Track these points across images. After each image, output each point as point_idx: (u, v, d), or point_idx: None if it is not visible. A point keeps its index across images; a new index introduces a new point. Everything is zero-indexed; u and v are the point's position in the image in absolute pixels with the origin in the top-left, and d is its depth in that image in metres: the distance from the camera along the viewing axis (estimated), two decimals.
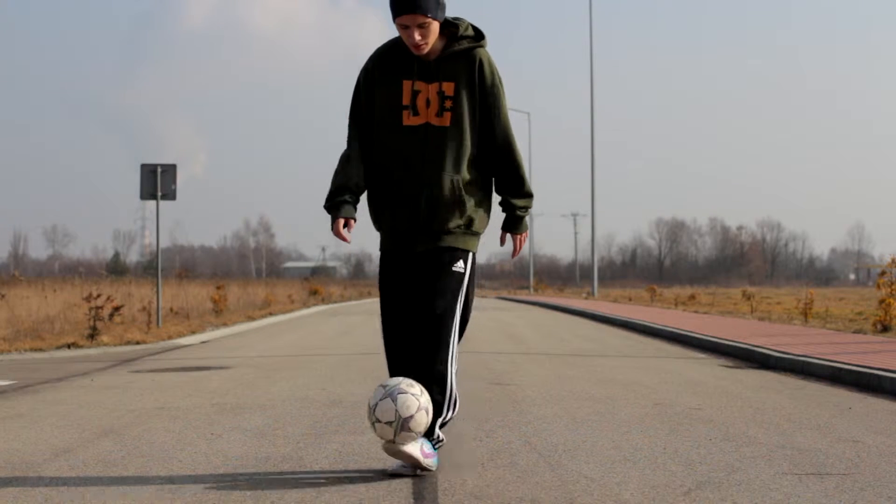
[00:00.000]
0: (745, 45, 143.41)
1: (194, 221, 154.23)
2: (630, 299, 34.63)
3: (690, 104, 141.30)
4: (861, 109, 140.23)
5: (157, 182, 15.96)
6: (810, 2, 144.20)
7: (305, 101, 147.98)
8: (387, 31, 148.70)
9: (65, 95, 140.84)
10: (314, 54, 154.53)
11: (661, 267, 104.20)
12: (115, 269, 72.13)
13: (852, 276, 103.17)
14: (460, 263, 4.25)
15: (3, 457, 4.78)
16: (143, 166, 16.08)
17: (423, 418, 3.99)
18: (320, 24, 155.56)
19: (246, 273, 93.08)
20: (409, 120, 4.19)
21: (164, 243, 65.68)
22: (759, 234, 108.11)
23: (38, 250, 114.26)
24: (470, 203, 4.25)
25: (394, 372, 4.29)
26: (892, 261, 13.49)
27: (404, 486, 4.04)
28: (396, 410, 3.96)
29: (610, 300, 35.14)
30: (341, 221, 4.19)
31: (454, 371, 4.23)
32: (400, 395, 3.98)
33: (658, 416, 6.04)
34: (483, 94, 4.23)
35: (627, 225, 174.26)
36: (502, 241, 4.43)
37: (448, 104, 4.17)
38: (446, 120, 4.18)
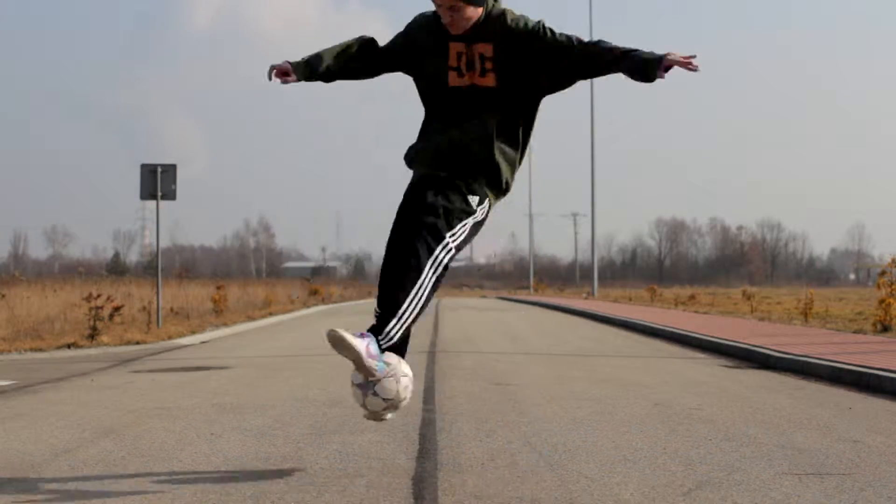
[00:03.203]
0: (745, 44, 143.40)
1: (194, 221, 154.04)
2: (630, 299, 34.64)
3: (690, 104, 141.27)
4: (861, 109, 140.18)
5: (157, 182, 15.96)
6: (810, 2, 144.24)
7: (306, 102, 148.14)
8: (391, 32, 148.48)
9: (65, 95, 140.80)
10: None
11: (661, 267, 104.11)
12: (115, 269, 72.14)
13: (852, 276, 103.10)
14: (476, 199, 4.28)
15: (3, 457, 4.78)
16: (143, 166, 16.08)
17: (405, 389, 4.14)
18: (323, 26, 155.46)
19: (246, 273, 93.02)
20: (455, 81, 4.28)
21: (164, 243, 65.65)
22: (759, 234, 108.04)
23: (38, 250, 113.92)
24: (503, 165, 4.33)
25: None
26: (892, 261, 13.49)
27: (404, 486, 4.05)
28: (383, 399, 4.10)
29: (610, 300, 35.14)
30: (288, 67, 4.28)
31: (430, 279, 4.10)
32: (378, 387, 4.08)
33: (658, 416, 6.04)
34: (525, 42, 4.23)
35: (627, 225, 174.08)
36: (663, 73, 4.08)
37: (489, 66, 4.23)
38: (490, 80, 4.25)
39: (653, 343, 13.49)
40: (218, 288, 23.79)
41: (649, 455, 4.72)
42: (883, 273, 13.67)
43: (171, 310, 20.24)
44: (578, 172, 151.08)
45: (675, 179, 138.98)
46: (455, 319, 20.73)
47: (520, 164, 4.43)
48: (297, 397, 7.05)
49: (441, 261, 4.13)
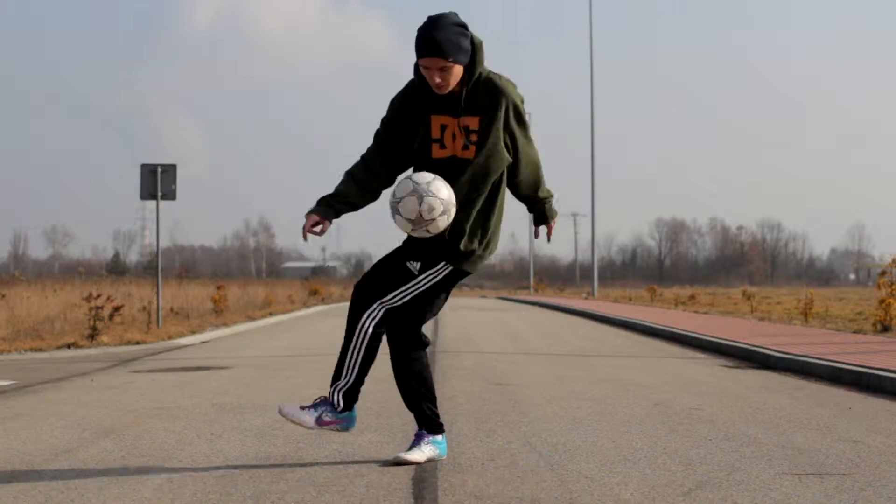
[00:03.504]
0: (745, 45, 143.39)
1: (194, 221, 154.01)
2: (630, 299, 34.63)
3: (690, 104, 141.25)
4: (861, 109, 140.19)
5: (157, 182, 15.95)
6: (810, 2, 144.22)
7: (306, 102, 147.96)
8: (391, 32, 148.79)
9: (65, 95, 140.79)
10: (315, 55, 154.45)
11: (661, 267, 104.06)
12: (115, 269, 72.08)
13: (852, 276, 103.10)
14: (418, 265, 4.35)
15: (3, 457, 4.78)
16: (143, 166, 16.07)
17: (442, 223, 4.17)
18: (323, 26, 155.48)
19: (246, 273, 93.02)
20: (437, 153, 4.35)
21: (164, 243, 65.57)
22: (759, 234, 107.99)
23: (38, 250, 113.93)
24: (478, 233, 4.39)
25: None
26: (893, 261, 13.49)
27: (404, 486, 4.05)
28: (419, 212, 4.13)
29: (610, 300, 35.14)
30: (314, 218, 4.37)
31: (359, 347, 4.38)
32: (427, 198, 4.12)
33: (658, 416, 6.04)
34: (509, 126, 4.36)
35: (627, 225, 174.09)
36: (536, 234, 4.75)
37: (473, 138, 4.31)
38: (471, 153, 4.32)
39: (653, 343, 13.49)
40: (218, 288, 23.78)
41: (649, 455, 4.72)
42: (883, 273, 13.67)
43: (171, 310, 20.24)
44: (578, 172, 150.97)
45: (675, 179, 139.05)
46: (455, 319, 20.73)
47: (499, 216, 4.47)
48: (297, 397, 7.05)
49: (365, 328, 4.36)
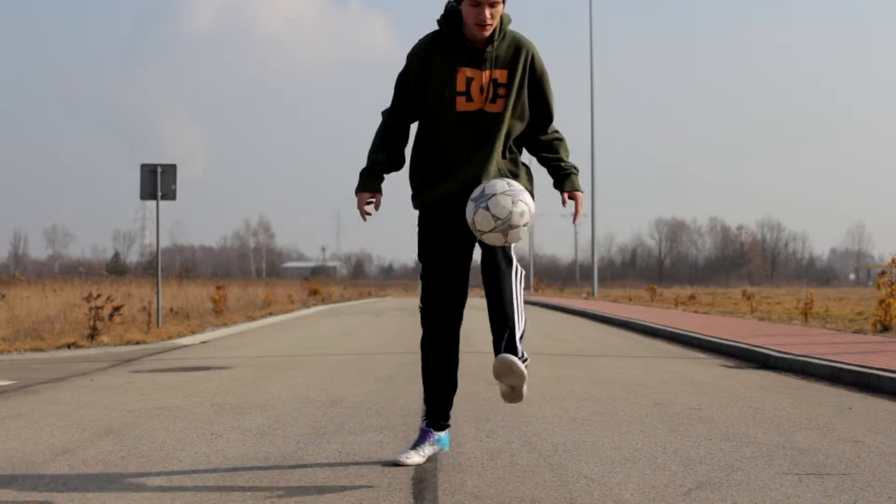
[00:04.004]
0: (745, 45, 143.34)
1: (194, 221, 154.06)
2: (630, 299, 34.63)
3: (690, 104, 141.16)
4: (861, 109, 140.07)
5: (157, 182, 15.95)
6: (810, 2, 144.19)
7: (306, 102, 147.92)
8: (391, 31, 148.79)
9: (65, 95, 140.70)
10: (315, 55, 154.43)
11: (661, 267, 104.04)
12: (115, 269, 72.03)
13: (852, 276, 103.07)
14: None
15: (3, 457, 4.78)
16: (143, 166, 16.07)
17: (524, 208, 4.08)
18: (323, 26, 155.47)
19: (246, 273, 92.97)
20: (463, 106, 4.31)
21: (164, 243, 65.65)
22: (759, 234, 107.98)
23: (38, 250, 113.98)
24: (523, 174, 4.43)
25: (431, 330, 4.47)
26: (893, 261, 13.48)
27: (404, 486, 4.05)
28: (494, 216, 4.06)
29: (610, 300, 35.14)
30: (366, 196, 4.38)
31: (520, 290, 4.26)
32: (490, 201, 4.07)
33: (658, 416, 6.04)
34: (534, 81, 4.39)
35: (627, 225, 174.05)
36: (564, 203, 4.50)
37: (501, 91, 4.31)
38: (499, 106, 4.32)
39: (653, 343, 13.49)
40: (218, 288, 23.78)
41: (649, 455, 4.72)
42: (883, 273, 13.67)
43: (171, 310, 20.24)
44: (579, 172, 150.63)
45: (675, 179, 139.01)
46: None
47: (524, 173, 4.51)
48: (297, 397, 7.05)
49: (520, 270, 4.29)
